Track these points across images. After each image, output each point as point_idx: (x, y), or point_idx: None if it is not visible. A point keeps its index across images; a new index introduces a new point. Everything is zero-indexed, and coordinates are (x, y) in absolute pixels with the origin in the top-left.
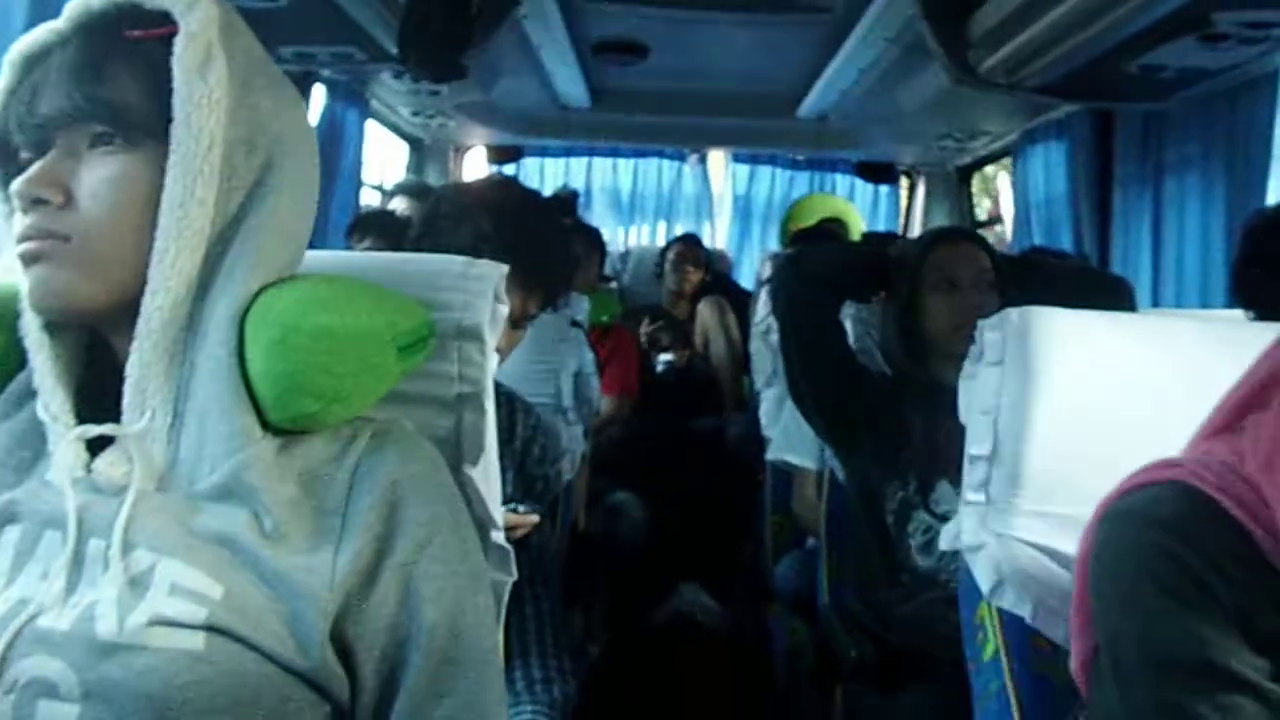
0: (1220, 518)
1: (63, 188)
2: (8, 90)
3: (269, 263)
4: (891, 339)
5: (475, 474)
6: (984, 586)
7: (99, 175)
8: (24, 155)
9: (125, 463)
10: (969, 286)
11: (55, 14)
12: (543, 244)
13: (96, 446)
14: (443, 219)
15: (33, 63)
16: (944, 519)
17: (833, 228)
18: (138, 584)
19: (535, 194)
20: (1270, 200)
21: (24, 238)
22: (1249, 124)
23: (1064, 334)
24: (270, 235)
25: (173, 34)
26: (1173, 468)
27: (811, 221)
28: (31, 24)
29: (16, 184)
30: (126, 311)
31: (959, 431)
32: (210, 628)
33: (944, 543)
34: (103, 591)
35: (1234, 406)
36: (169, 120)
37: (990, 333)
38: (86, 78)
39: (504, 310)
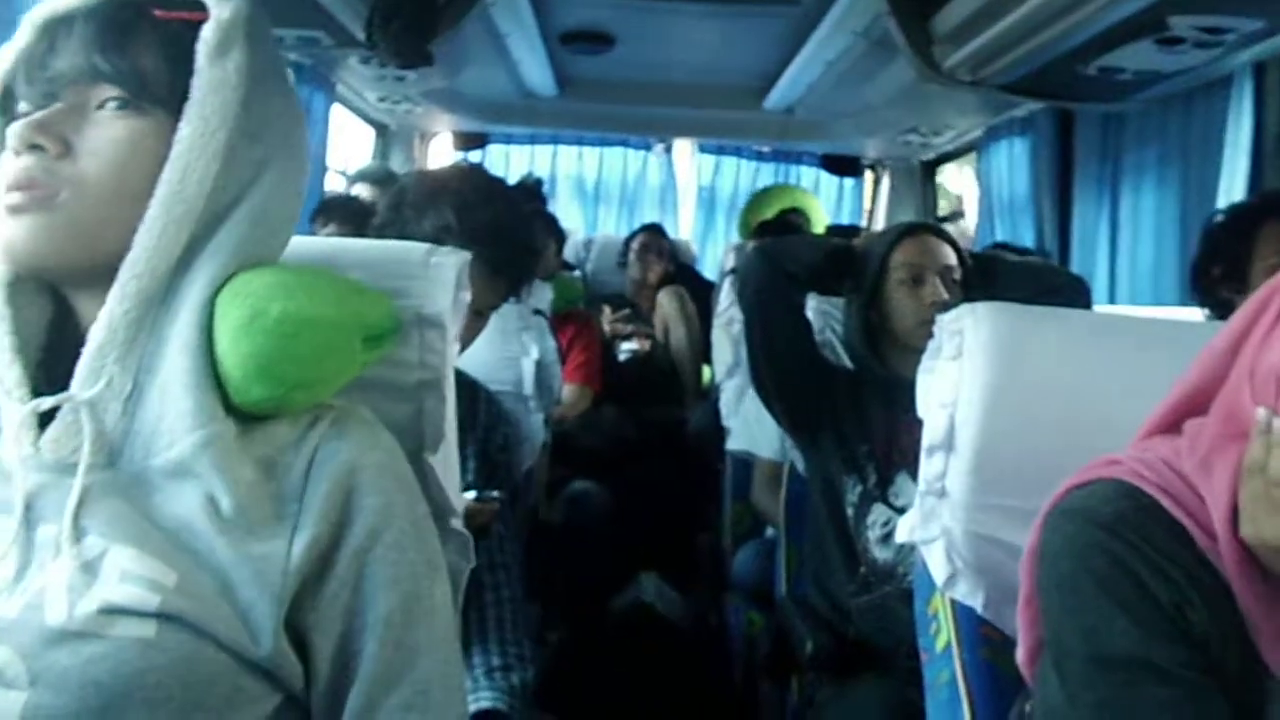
0: (1159, 517)
1: (63, 139)
2: (23, 48)
3: (250, 251)
4: (854, 332)
5: (435, 461)
6: (938, 578)
7: (104, 134)
8: (23, 108)
9: (75, 435)
10: (934, 282)
11: None
12: (506, 233)
13: (50, 422)
14: (407, 208)
15: (54, 26)
16: (903, 511)
17: (794, 219)
18: (88, 570)
19: (499, 182)
20: (1221, 202)
21: (14, 185)
22: (1204, 126)
23: (1022, 330)
24: (256, 226)
25: (201, 20)
26: (1115, 465)
27: (772, 213)
28: None
29: (16, 126)
30: (100, 277)
31: (919, 425)
32: (162, 615)
33: (900, 535)
34: (52, 578)
35: (1173, 407)
36: (182, 98)
37: (949, 327)
38: (109, 43)
39: (466, 298)
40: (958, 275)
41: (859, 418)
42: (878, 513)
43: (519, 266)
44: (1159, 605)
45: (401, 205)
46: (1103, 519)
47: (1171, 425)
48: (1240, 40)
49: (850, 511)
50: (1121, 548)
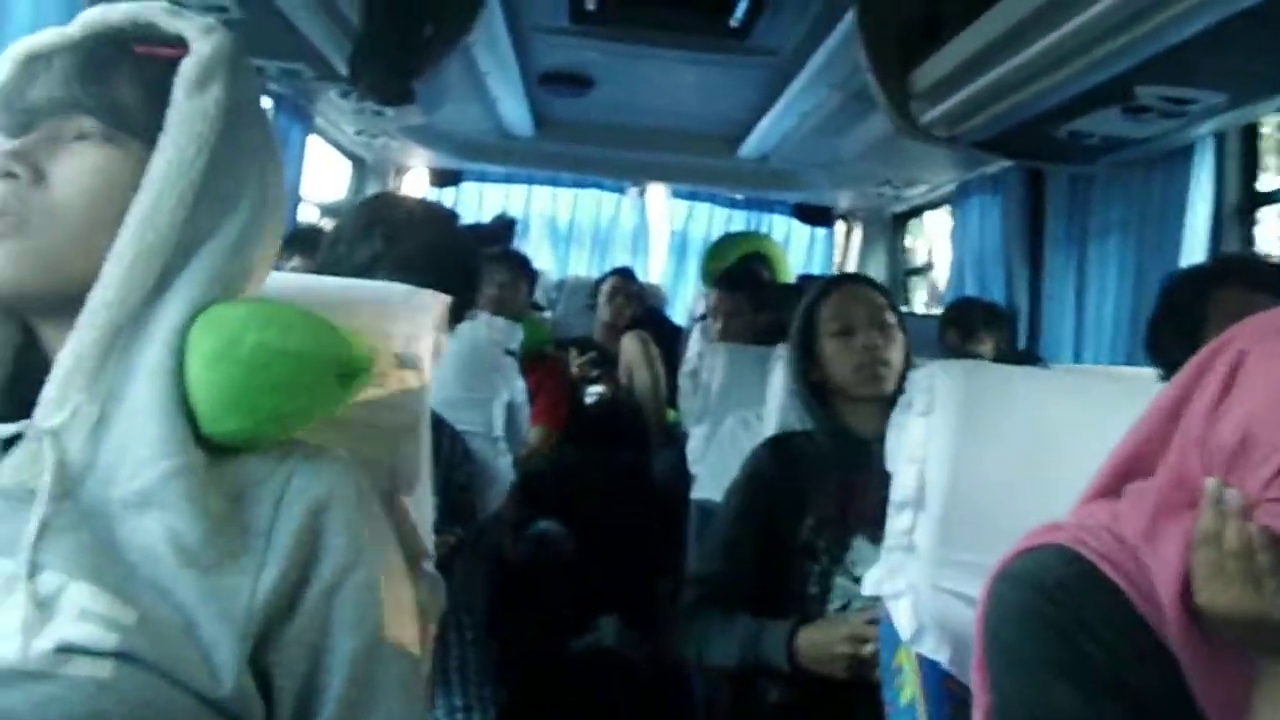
0: (1100, 582)
1: (36, 167)
2: (3, 81)
3: (225, 283)
4: (798, 390)
5: (409, 502)
6: (904, 633)
7: (79, 164)
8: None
9: (36, 463)
10: (865, 328)
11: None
12: (440, 259)
13: (11, 449)
14: (342, 244)
15: (34, 59)
16: (860, 581)
17: (755, 266)
18: (45, 607)
19: (433, 207)
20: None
21: None
22: (1165, 191)
23: (991, 388)
24: (232, 258)
25: (181, 56)
26: (1057, 531)
27: (734, 260)
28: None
29: None
30: (68, 305)
31: (876, 484)
32: (120, 654)
33: (866, 588)
34: (7, 615)
35: (1113, 472)
36: (159, 130)
37: (920, 384)
38: (88, 75)
39: (444, 340)
40: (888, 319)
41: (805, 499)
42: (838, 589)
43: (457, 291)
44: (1099, 670)
45: (338, 241)
46: (1043, 585)
47: (1111, 489)
48: (1203, 111)
49: (813, 590)
50: (1062, 615)
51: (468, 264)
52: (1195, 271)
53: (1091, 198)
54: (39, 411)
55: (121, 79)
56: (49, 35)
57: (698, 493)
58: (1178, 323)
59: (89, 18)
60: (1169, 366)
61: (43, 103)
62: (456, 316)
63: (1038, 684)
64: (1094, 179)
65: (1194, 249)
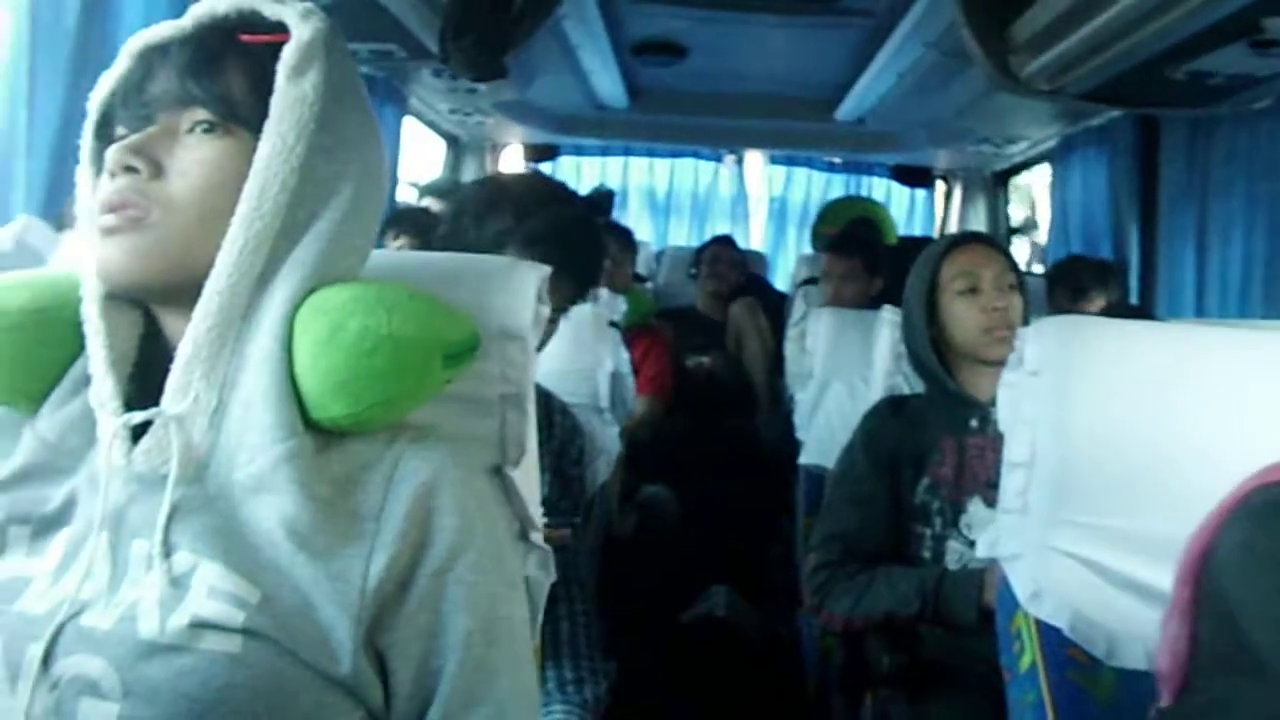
0: None
1: (155, 162)
2: (122, 75)
3: (329, 265)
4: (920, 349)
5: (516, 475)
6: (1021, 596)
7: (194, 156)
8: (120, 131)
9: (165, 449)
10: (992, 288)
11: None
12: (566, 235)
13: (142, 435)
14: (466, 217)
15: (150, 53)
16: (975, 545)
17: (863, 231)
18: (178, 585)
19: (557, 185)
20: None
21: (108, 207)
22: None
23: (1103, 344)
24: (335, 241)
25: (283, 42)
26: None
27: (843, 224)
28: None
29: (112, 149)
30: (188, 294)
31: (988, 446)
32: (247, 631)
33: (981, 550)
34: (145, 591)
35: None
36: (265, 118)
37: (1030, 341)
38: (201, 69)
39: (546, 311)
40: (1013, 281)
41: (921, 460)
42: (952, 552)
43: (583, 267)
44: None
45: (461, 215)
46: None
47: None
48: None
49: (927, 554)
50: None
51: (593, 240)
52: None
53: (1213, 145)
54: (165, 399)
55: (230, 69)
56: (163, 29)
57: (805, 458)
58: None
59: (198, 10)
60: None
61: (159, 97)
62: (580, 292)
63: None
64: (1216, 125)
65: None
